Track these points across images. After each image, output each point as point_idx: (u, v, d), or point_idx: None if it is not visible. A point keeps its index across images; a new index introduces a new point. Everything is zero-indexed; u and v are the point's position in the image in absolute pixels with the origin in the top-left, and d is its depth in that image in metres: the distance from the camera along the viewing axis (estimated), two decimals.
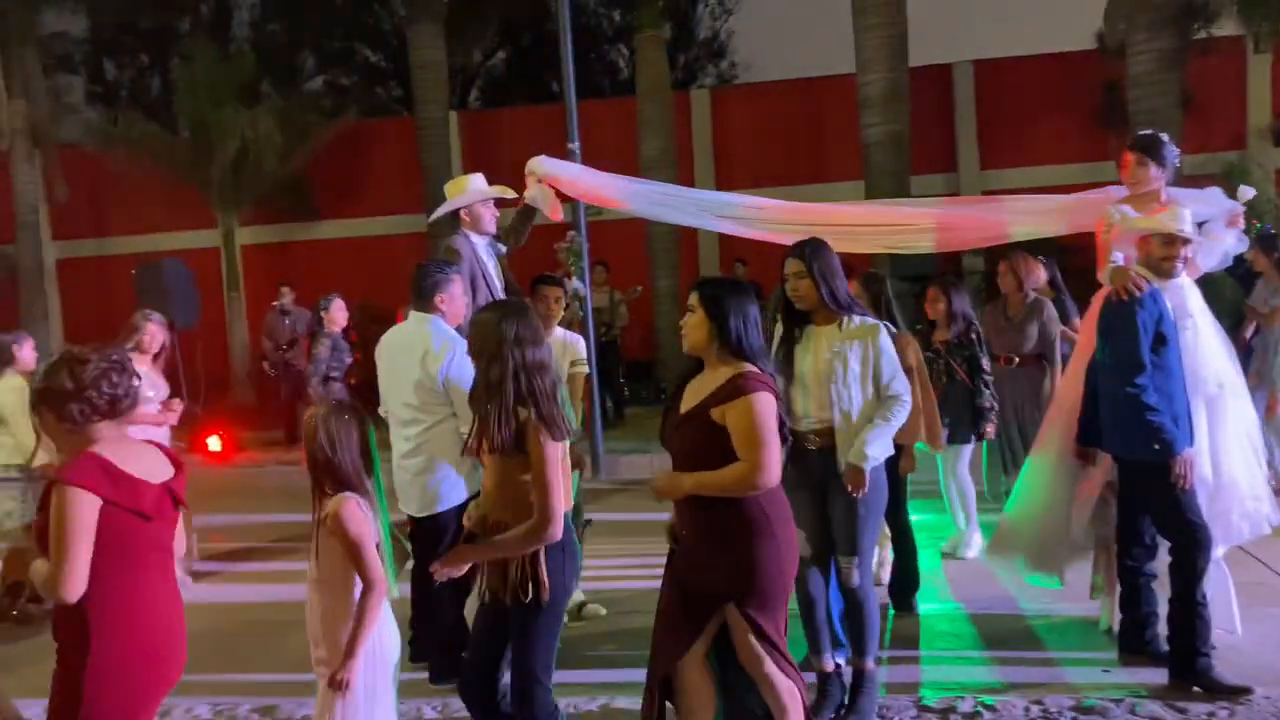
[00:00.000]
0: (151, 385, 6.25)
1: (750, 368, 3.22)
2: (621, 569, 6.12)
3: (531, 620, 3.20)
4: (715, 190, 15.24)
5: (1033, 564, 4.91)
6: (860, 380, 3.91)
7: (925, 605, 5.33)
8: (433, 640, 4.66)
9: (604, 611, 5.41)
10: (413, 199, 14.61)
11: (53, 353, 6.02)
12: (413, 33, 15.10)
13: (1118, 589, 4.58)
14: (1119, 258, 4.39)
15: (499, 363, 3.12)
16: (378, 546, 3.10)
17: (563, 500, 3.14)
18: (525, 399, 3.10)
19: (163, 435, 6.17)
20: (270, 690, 4.63)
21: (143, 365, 6.26)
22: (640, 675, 3.42)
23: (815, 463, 3.94)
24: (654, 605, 3.38)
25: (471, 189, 5.33)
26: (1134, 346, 4.08)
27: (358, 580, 3.03)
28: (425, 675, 4.58)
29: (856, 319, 3.95)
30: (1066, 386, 4.67)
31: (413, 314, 4.59)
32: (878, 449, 3.89)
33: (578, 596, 5.45)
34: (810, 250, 3.97)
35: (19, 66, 16.07)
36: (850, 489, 3.87)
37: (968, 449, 6.08)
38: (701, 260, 15.52)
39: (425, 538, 4.54)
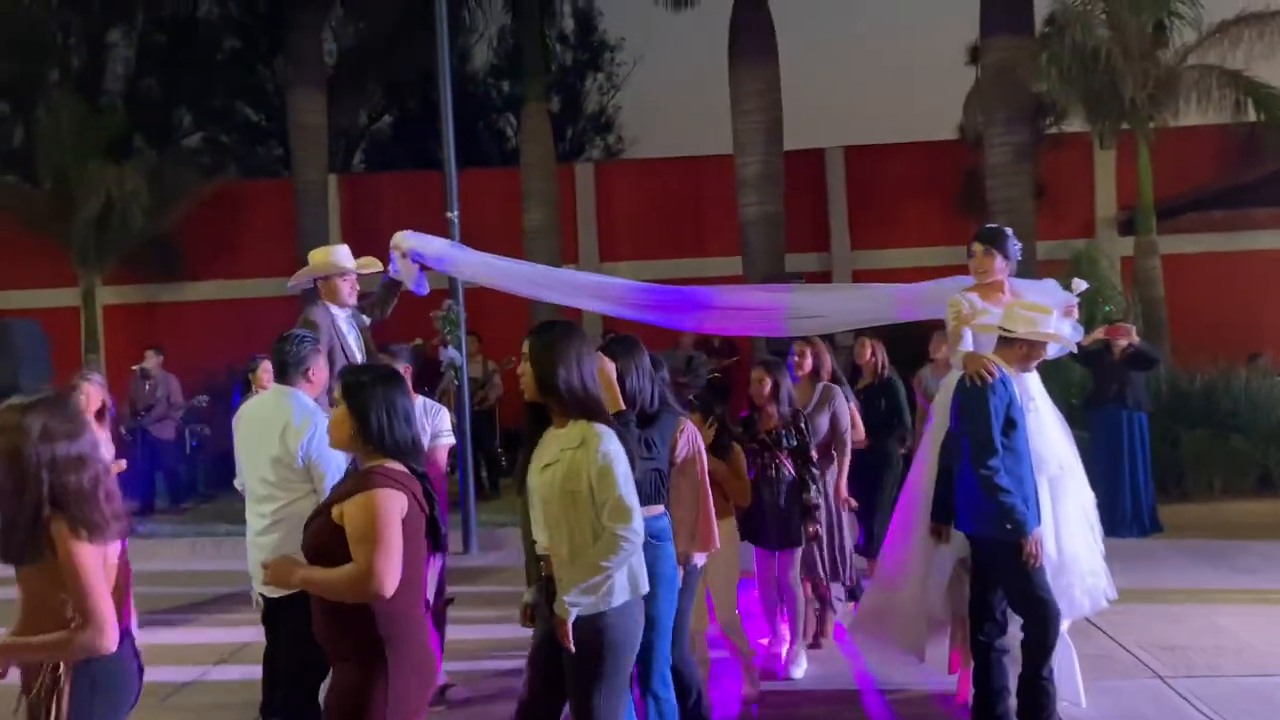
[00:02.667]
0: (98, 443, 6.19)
1: (387, 463, 2.91)
2: (488, 648, 5.98)
3: None
4: (598, 262, 15.49)
5: (894, 640, 5.03)
6: (575, 499, 3.20)
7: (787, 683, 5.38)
8: None
9: (468, 694, 5.26)
10: (288, 261, 14.20)
11: None
12: (292, 96, 14.95)
13: (973, 663, 4.72)
14: (969, 342, 4.61)
15: (19, 464, 2.69)
16: None
17: (109, 607, 2.70)
18: (52, 501, 2.69)
19: None
20: None
21: None
22: None
23: (547, 597, 3.33)
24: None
25: (331, 260, 5.25)
26: (987, 430, 4.25)
27: None
28: None
29: (586, 420, 3.26)
30: (919, 466, 4.84)
31: (274, 386, 4.47)
32: (586, 597, 3.17)
33: (440, 679, 5.30)
34: (539, 330, 3.40)
35: None
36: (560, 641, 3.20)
37: (797, 553, 5.44)
38: (587, 331, 15.60)
39: (279, 618, 4.36)
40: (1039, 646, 4.31)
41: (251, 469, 4.38)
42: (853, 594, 6.17)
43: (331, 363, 4.85)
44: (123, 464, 6.50)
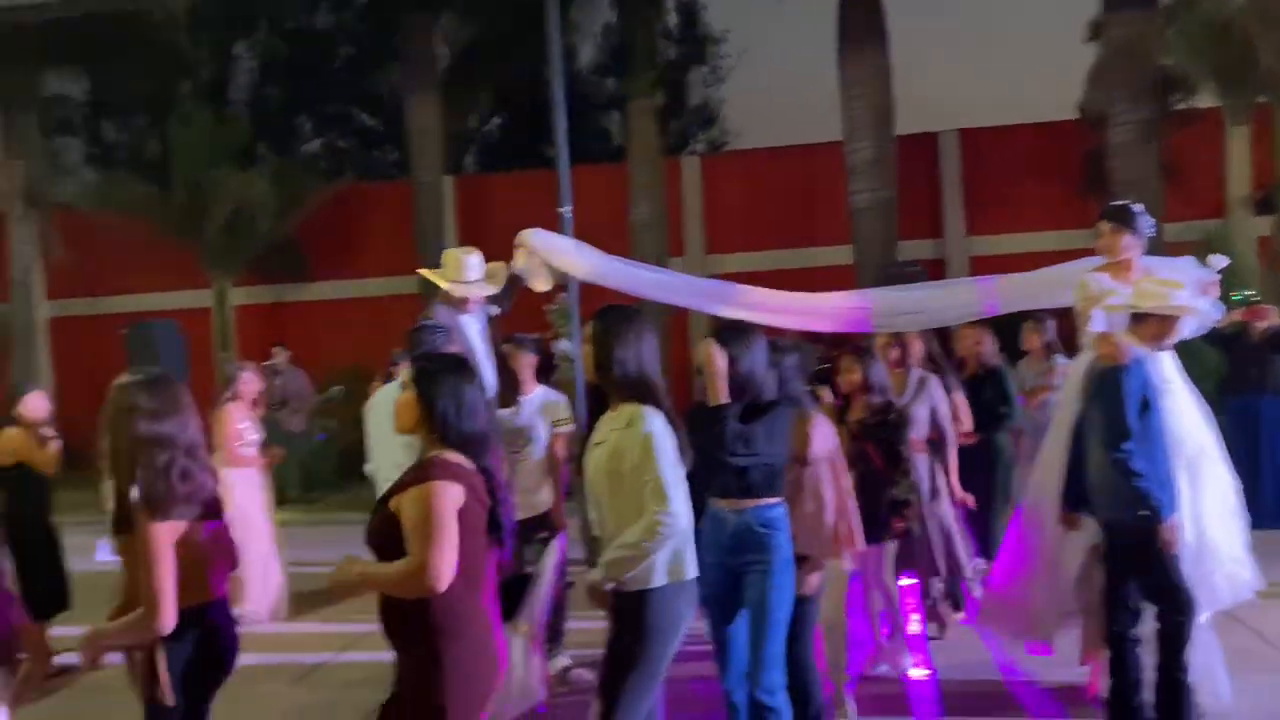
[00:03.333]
0: (254, 430, 6.94)
1: (447, 454, 2.91)
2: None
3: None
4: (704, 255, 15.51)
5: (1022, 630, 4.92)
6: (619, 480, 3.22)
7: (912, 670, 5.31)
8: None
9: (590, 676, 5.35)
10: (406, 261, 14.71)
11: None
12: (409, 101, 15.39)
13: (1106, 655, 4.58)
14: (1100, 323, 4.47)
15: (115, 435, 2.97)
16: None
17: (170, 588, 2.84)
18: (135, 475, 2.89)
19: (258, 477, 6.91)
20: None
21: (242, 412, 6.80)
22: None
23: None
24: None
25: (464, 265, 5.30)
26: (1121, 413, 4.12)
27: None
28: None
29: (637, 403, 3.26)
30: (1051, 451, 4.71)
31: (404, 373, 4.62)
32: (618, 573, 3.19)
33: (563, 660, 5.41)
34: (600, 314, 3.43)
35: (19, 128, 16.30)
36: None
37: (889, 548, 5.18)
38: (691, 325, 15.64)
39: None
40: (1175, 637, 4.15)
41: (384, 454, 4.56)
42: (953, 598, 5.90)
43: None
44: (278, 452, 6.88)
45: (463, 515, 2.85)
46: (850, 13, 12.96)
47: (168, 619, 2.84)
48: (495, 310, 5.60)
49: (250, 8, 21.58)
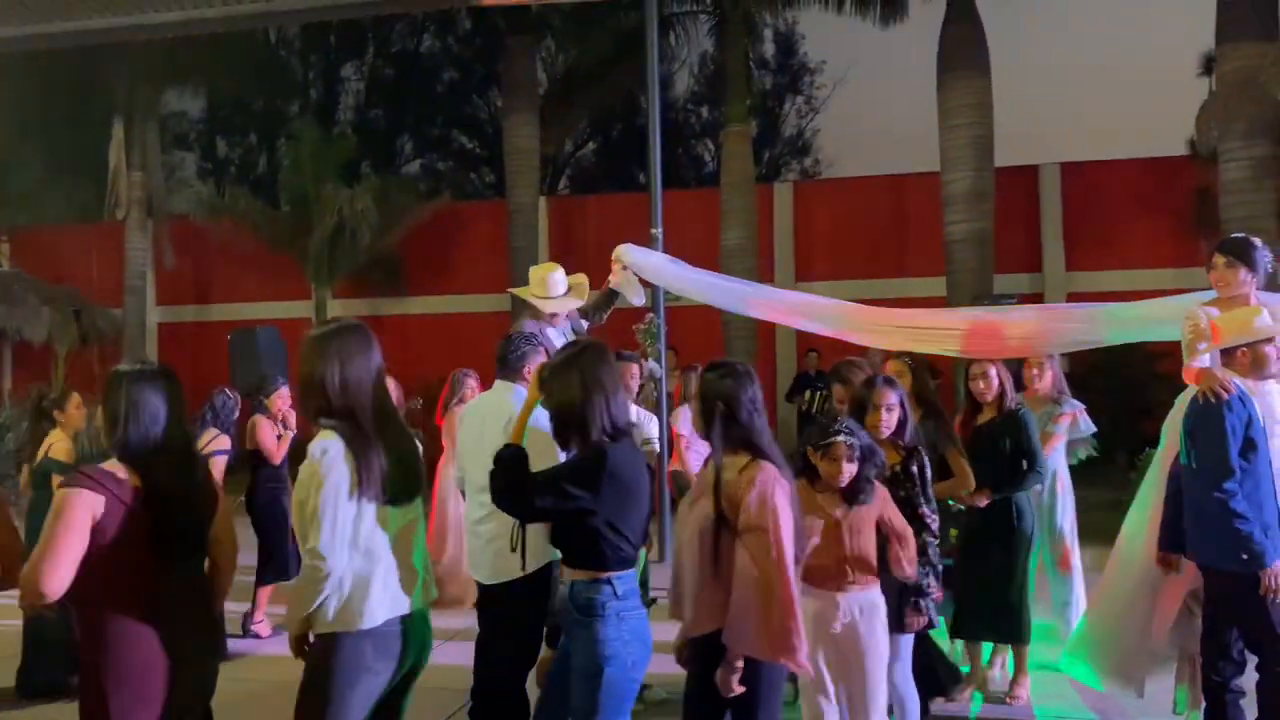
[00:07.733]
0: (448, 436, 7.38)
1: (110, 465, 2.80)
2: None
3: None
4: (793, 281, 15.45)
5: (1110, 673, 4.76)
6: (300, 509, 2.85)
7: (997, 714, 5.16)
8: (490, 713, 4.64)
9: (665, 695, 5.34)
10: (499, 279, 15.03)
11: None
12: (509, 122, 15.71)
13: (1203, 705, 4.39)
14: (1205, 359, 4.33)
15: None
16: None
17: None
18: None
19: None
20: None
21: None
22: None
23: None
24: None
25: (549, 282, 5.46)
26: (1223, 451, 3.97)
27: None
28: None
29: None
30: (1147, 489, 4.56)
31: (497, 383, 4.71)
32: (295, 612, 2.86)
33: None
34: (312, 331, 3.10)
35: (140, 142, 17.15)
36: None
37: (906, 642, 4.09)
38: (778, 346, 15.57)
39: (494, 605, 4.58)
40: (1277, 691, 3.96)
41: (474, 460, 4.62)
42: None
43: None
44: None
45: (101, 527, 2.71)
46: (952, 40, 12.86)
47: None
48: (585, 324, 5.70)
49: (358, 31, 22.39)
